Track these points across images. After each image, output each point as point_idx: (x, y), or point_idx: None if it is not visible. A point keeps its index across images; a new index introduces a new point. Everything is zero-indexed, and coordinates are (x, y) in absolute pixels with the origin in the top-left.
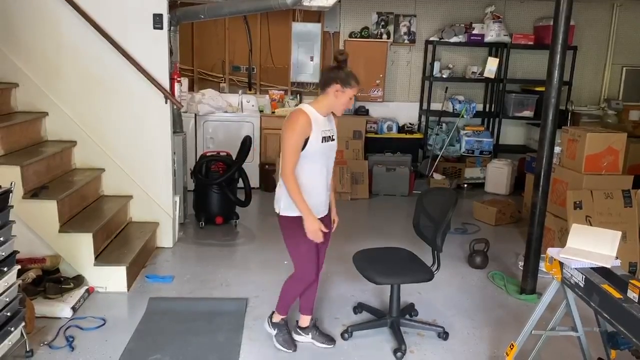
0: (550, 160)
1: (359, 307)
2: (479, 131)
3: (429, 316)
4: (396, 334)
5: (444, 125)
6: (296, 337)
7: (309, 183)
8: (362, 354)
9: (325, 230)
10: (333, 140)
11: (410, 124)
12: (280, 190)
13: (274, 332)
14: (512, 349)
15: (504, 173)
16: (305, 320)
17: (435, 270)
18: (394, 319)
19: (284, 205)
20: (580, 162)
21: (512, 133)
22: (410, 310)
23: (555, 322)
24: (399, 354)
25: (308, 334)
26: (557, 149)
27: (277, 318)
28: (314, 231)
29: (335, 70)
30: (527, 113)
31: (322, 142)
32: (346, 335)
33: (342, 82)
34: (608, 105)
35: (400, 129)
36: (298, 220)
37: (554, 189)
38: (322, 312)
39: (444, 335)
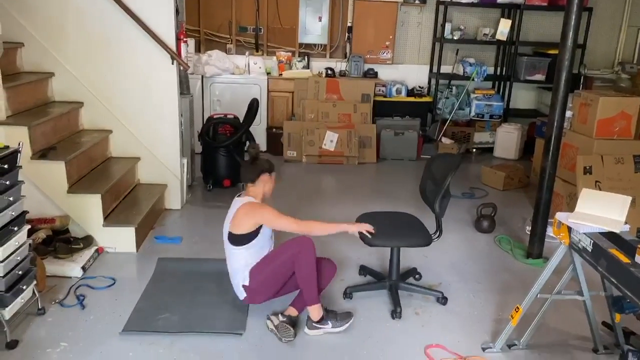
0: (561, 124)
1: (362, 270)
2: (489, 95)
3: (434, 279)
4: (393, 297)
5: (453, 88)
6: (312, 332)
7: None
8: (362, 314)
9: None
10: None
11: (419, 87)
12: (232, 270)
13: (329, 327)
14: (517, 311)
15: (513, 137)
16: (293, 311)
17: (437, 236)
18: (393, 282)
19: (241, 278)
20: (591, 126)
21: (523, 97)
22: (413, 274)
23: (561, 286)
24: (394, 315)
25: (328, 323)
26: (568, 113)
27: (316, 314)
28: (358, 228)
29: (258, 164)
30: (539, 76)
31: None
32: (345, 296)
33: (267, 171)
34: (622, 69)
35: (410, 92)
36: (258, 273)
37: (564, 154)
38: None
39: (442, 300)
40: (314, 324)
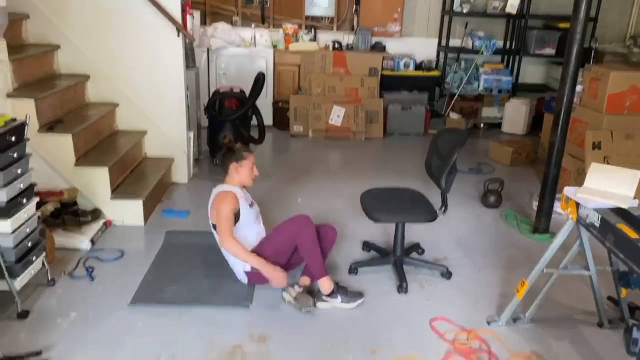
0: (571, 99)
1: (365, 246)
2: (498, 69)
3: (440, 254)
4: (399, 272)
5: (462, 62)
6: (321, 304)
7: (248, 243)
8: (367, 288)
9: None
10: (254, 204)
11: (428, 60)
12: (229, 258)
13: (338, 301)
14: (523, 286)
15: (521, 112)
16: (305, 281)
17: (442, 212)
18: (398, 257)
19: (242, 265)
20: (601, 101)
21: (532, 71)
22: (416, 249)
23: (567, 260)
24: (400, 290)
25: (337, 297)
26: (578, 88)
27: (326, 287)
28: (278, 278)
29: (227, 154)
30: (549, 50)
31: (250, 207)
32: (351, 272)
33: (235, 159)
34: (634, 43)
35: (418, 66)
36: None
37: (573, 129)
38: (334, 250)
39: (447, 274)
40: (323, 296)
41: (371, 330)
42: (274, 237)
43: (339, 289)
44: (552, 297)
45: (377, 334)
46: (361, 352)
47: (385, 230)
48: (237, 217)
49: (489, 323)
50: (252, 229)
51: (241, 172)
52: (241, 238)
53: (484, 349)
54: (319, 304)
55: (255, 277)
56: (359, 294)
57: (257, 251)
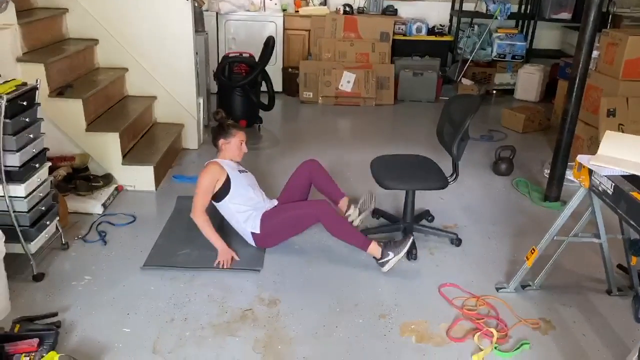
0: (587, 64)
1: (374, 213)
2: (512, 34)
3: (450, 222)
4: None
5: (475, 27)
6: (384, 268)
7: (249, 204)
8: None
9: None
10: (247, 171)
11: (440, 25)
12: (234, 224)
13: (392, 256)
14: (532, 253)
15: (535, 79)
16: (344, 203)
17: (453, 179)
18: (408, 224)
19: (251, 225)
20: (618, 67)
21: (547, 37)
22: (426, 216)
23: (578, 228)
24: (410, 256)
25: (389, 254)
26: (594, 54)
27: (376, 253)
28: (225, 255)
29: (216, 129)
30: (565, 15)
31: (240, 173)
32: None
33: (223, 136)
34: None
35: (430, 31)
36: (270, 220)
37: (587, 96)
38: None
39: (456, 241)
40: (379, 261)
41: (380, 296)
42: (289, 210)
43: (386, 245)
44: (562, 264)
45: (386, 300)
46: (370, 317)
47: (395, 197)
48: (227, 187)
49: (497, 289)
50: (246, 190)
51: (228, 149)
52: (241, 201)
53: (493, 314)
54: (384, 268)
55: (262, 240)
56: (404, 239)
57: (267, 218)
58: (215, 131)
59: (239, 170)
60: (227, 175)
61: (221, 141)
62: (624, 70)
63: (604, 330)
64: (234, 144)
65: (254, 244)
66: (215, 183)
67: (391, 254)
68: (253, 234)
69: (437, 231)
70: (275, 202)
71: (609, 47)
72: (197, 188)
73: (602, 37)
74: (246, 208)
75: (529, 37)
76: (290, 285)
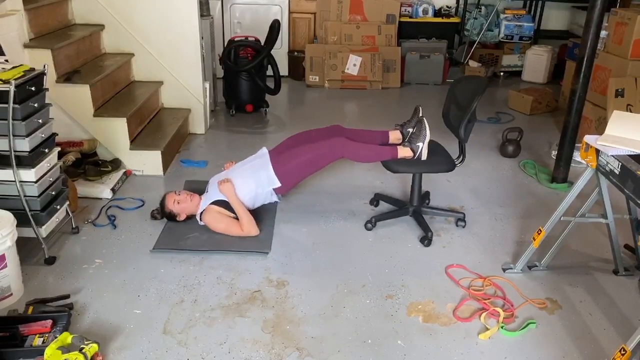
0: (595, 44)
1: (375, 198)
2: (519, 15)
3: (457, 203)
4: (420, 223)
5: (482, 8)
6: (423, 156)
7: (250, 182)
8: (383, 236)
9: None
10: (224, 166)
11: (447, 6)
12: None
13: (422, 145)
14: (539, 234)
15: (543, 60)
16: (394, 136)
17: (460, 162)
18: (416, 207)
19: (266, 189)
20: (627, 47)
21: (555, 17)
22: (425, 198)
23: (585, 209)
24: (426, 241)
25: (419, 145)
26: (602, 34)
27: (406, 152)
28: (228, 189)
29: (167, 217)
30: None
31: (220, 183)
32: (370, 225)
33: (172, 218)
34: None
35: (437, 13)
36: (287, 168)
37: (595, 77)
38: (349, 201)
39: (463, 222)
40: (415, 157)
41: (387, 276)
42: (305, 154)
43: (411, 142)
44: (568, 245)
45: (393, 281)
46: (377, 298)
47: (400, 180)
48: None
49: (504, 270)
50: (238, 182)
51: (184, 209)
52: (242, 188)
53: (499, 295)
54: (424, 158)
55: (284, 188)
56: (418, 127)
57: (287, 166)
58: (169, 217)
59: (218, 182)
60: (219, 199)
61: (178, 216)
62: (633, 50)
63: (610, 310)
64: (181, 207)
65: (278, 199)
66: (224, 213)
67: (420, 143)
68: (274, 189)
69: (445, 212)
70: (264, 151)
71: (617, 26)
72: (224, 231)
73: (611, 17)
74: (251, 187)
75: (537, 18)
76: (298, 267)
